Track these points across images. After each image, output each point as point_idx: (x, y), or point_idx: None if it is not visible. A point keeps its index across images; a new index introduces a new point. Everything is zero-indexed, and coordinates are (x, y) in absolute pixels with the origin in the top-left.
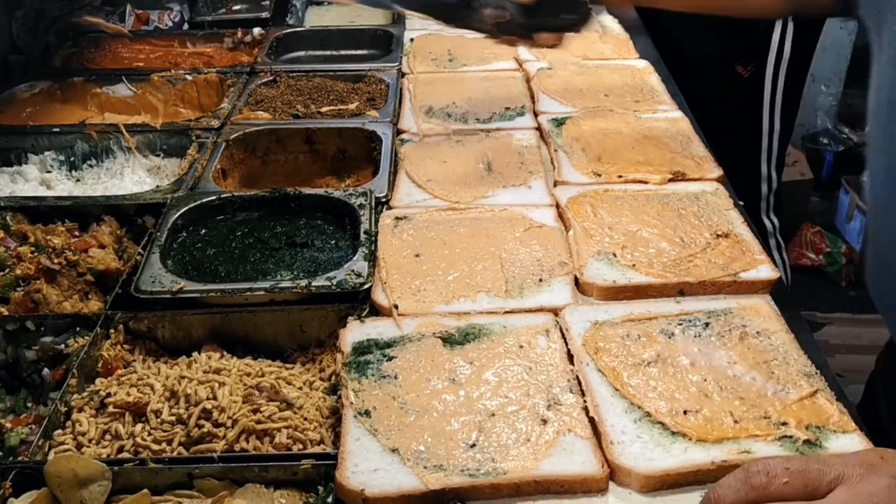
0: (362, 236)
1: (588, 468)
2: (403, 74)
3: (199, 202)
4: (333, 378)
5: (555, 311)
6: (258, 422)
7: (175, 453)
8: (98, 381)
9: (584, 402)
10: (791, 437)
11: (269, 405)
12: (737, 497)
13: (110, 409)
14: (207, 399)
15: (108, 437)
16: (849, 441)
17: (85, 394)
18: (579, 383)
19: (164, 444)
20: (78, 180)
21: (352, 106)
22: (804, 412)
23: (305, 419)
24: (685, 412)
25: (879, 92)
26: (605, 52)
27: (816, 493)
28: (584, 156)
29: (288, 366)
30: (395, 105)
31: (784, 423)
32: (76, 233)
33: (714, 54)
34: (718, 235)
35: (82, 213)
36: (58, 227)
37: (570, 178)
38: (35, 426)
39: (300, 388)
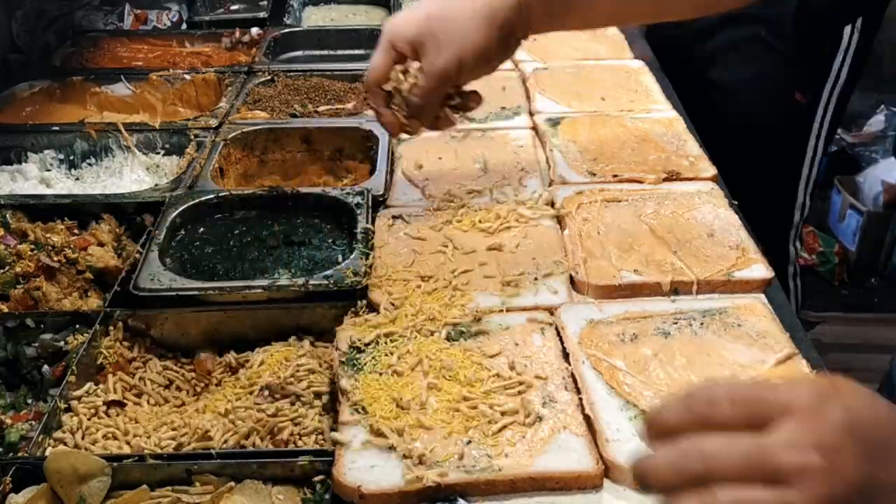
0: (359, 235)
1: (583, 465)
2: None
3: (197, 200)
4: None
5: (550, 310)
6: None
7: (172, 449)
8: (101, 378)
9: (580, 399)
10: None
11: (274, 405)
12: (676, 421)
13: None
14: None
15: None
16: None
17: (83, 390)
18: (574, 381)
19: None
20: (77, 179)
21: (349, 105)
22: None
23: (310, 407)
24: None
25: None
26: (600, 52)
27: (761, 424)
28: (580, 155)
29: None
30: None
31: None
32: (75, 231)
33: (774, 80)
34: (712, 235)
35: (81, 211)
36: (57, 226)
37: (566, 178)
38: (35, 422)
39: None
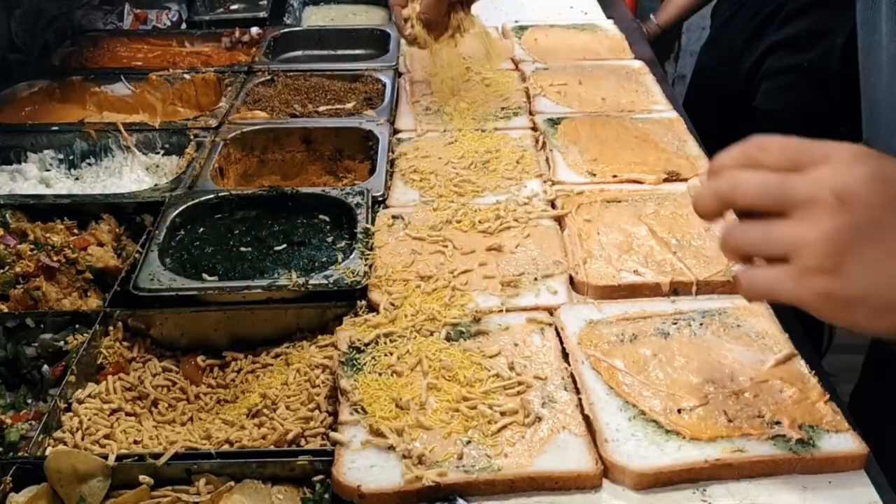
0: (359, 235)
1: (582, 465)
2: (400, 74)
3: (197, 200)
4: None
5: (550, 310)
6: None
7: None
8: (102, 381)
9: (579, 399)
10: (784, 436)
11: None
12: (732, 161)
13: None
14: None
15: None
16: (842, 440)
17: (83, 391)
18: (574, 381)
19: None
20: (77, 178)
21: (349, 105)
22: (797, 412)
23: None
24: (679, 411)
25: None
26: (600, 52)
27: (800, 167)
28: (580, 156)
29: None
30: (392, 104)
31: (777, 423)
32: (75, 231)
33: (818, 111)
34: (712, 235)
35: (81, 211)
36: (57, 225)
37: (566, 178)
38: (35, 422)
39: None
